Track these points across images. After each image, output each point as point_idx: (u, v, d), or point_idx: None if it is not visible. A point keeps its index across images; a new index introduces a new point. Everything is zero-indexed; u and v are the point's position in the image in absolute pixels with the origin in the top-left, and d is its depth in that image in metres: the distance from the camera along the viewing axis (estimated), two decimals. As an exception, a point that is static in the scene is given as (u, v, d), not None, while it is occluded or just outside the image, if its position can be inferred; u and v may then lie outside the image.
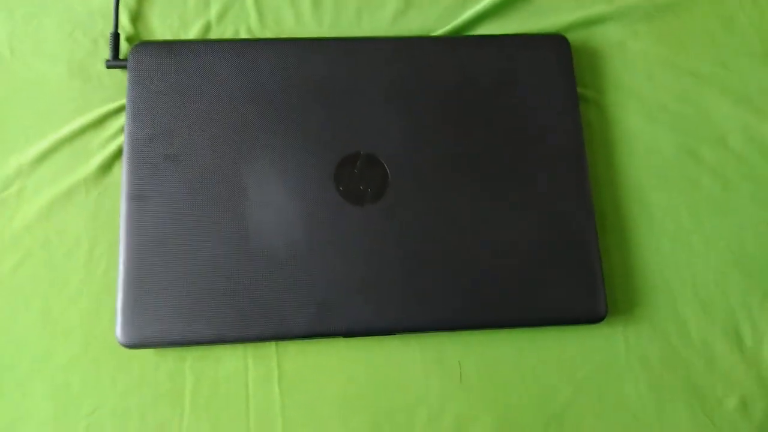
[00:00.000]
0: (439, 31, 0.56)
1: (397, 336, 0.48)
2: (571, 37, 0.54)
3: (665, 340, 0.50)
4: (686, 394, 0.49)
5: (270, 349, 0.48)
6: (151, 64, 0.50)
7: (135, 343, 0.46)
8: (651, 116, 0.55)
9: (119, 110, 0.52)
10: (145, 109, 0.49)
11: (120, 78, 0.53)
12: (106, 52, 0.54)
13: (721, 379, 0.49)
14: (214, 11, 0.55)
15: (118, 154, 0.51)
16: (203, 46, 0.51)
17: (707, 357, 0.49)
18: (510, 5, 0.57)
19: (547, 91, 0.52)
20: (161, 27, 0.55)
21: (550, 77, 0.52)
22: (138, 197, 0.48)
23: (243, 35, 0.55)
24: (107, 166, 0.51)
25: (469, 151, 0.50)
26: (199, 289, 0.46)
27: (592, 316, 0.48)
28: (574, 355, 0.49)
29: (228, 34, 0.55)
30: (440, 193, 0.49)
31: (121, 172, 0.50)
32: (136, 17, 0.55)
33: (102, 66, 0.53)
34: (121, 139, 0.51)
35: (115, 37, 0.53)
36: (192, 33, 0.55)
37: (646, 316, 0.50)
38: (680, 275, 0.51)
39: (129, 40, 0.54)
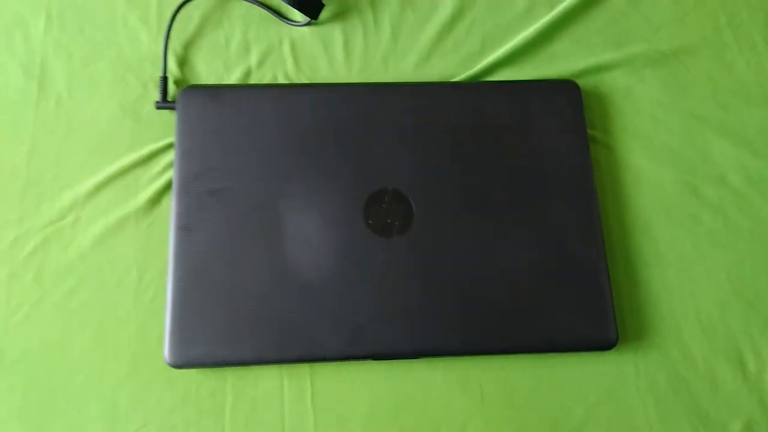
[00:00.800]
0: (459, 77, 0.60)
1: (423, 359, 0.52)
2: (581, 82, 0.59)
3: (672, 367, 0.53)
4: (692, 418, 0.52)
5: (304, 369, 0.52)
6: (198, 106, 0.55)
7: (181, 364, 0.50)
8: (656, 156, 0.59)
9: (167, 148, 0.57)
10: (192, 148, 0.54)
11: (168, 118, 0.58)
12: (155, 94, 0.58)
13: (725, 403, 0.52)
14: (254, 58, 0.60)
15: (165, 189, 0.55)
16: (245, 90, 0.56)
17: (712, 383, 0.53)
18: (525, 54, 0.61)
19: (560, 133, 0.56)
20: (206, 71, 0.60)
21: (562, 120, 0.56)
22: (185, 228, 0.52)
23: (281, 80, 0.59)
24: (156, 200, 0.55)
25: (488, 188, 0.54)
26: (240, 314, 0.50)
27: (604, 344, 0.51)
28: (587, 380, 0.52)
29: (267, 78, 0.59)
30: (461, 226, 0.53)
31: (168, 205, 0.54)
32: (182, 62, 0.60)
33: (151, 107, 0.58)
34: (169, 175, 0.55)
35: (164, 80, 0.57)
36: (234, 77, 0.59)
37: (653, 344, 0.53)
38: (685, 305, 0.54)
39: (176, 83, 0.59)
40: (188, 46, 0.60)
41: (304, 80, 0.60)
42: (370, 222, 0.53)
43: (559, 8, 0.62)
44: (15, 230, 0.54)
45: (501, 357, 0.53)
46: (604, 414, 0.52)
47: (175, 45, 0.60)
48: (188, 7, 0.61)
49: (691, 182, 0.58)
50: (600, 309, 0.52)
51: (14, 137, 0.57)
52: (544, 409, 0.52)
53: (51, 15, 0.61)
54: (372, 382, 0.52)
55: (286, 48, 0.61)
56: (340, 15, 0.62)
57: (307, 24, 0.61)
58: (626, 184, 0.58)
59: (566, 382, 0.52)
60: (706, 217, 0.57)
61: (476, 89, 0.58)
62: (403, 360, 0.52)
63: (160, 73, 0.58)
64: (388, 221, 0.53)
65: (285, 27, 0.61)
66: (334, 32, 0.62)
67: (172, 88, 0.59)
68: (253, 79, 0.59)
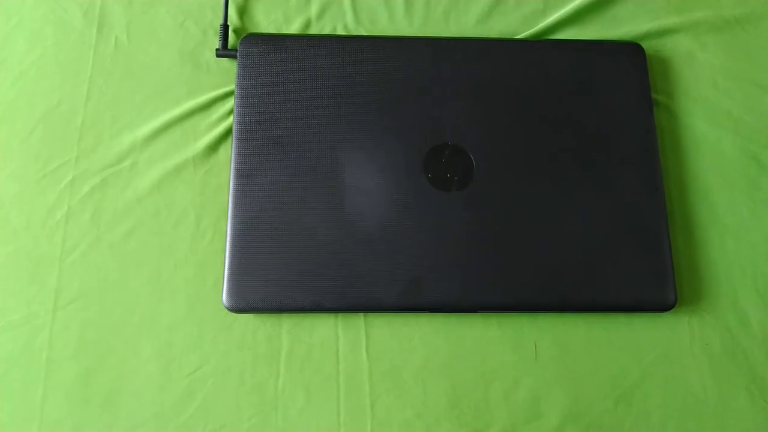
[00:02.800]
0: (521, 35, 0.59)
1: (478, 314, 0.52)
2: (644, 45, 0.58)
3: (727, 331, 0.53)
4: (747, 381, 0.51)
5: (359, 319, 0.52)
6: (259, 54, 0.54)
7: (239, 308, 0.50)
8: (716, 121, 0.58)
9: (226, 96, 0.56)
10: (252, 96, 0.53)
11: (227, 66, 0.57)
12: (214, 42, 0.58)
13: (780, 368, 0.52)
14: (314, 9, 0.60)
15: (224, 136, 0.55)
16: (306, 40, 0.55)
17: (767, 347, 0.52)
18: (587, 14, 0.60)
19: (624, 95, 0.55)
20: (265, 21, 0.59)
21: (626, 82, 0.56)
22: (245, 175, 0.52)
23: (340, 32, 0.59)
24: (214, 147, 0.55)
25: (549, 146, 0.54)
26: (298, 260, 0.50)
27: (662, 305, 0.51)
28: (643, 341, 0.52)
29: (326, 30, 0.59)
30: (522, 183, 0.53)
31: (226, 153, 0.55)
32: (243, 11, 0.59)
33: (211, 54, 0.58)
34: (227, 122, 0.55)
35: (225, 28, 0.57)
36: (293, 28, 0.59)
37: (709, 307, 0.53)
38: (742, 270, 0.54)
39: (236, 32, 0.59)
40: (248, -5, 0.60)
41: (364, 33, 0.59)
42: (430, 176, 0.52)
43: (623, -30, 0.61)
44: (72, 170, 0.54)
45: (556, 315, 0.53)
46: (659, 375, 0.51)
47: (235, -7, 0.60)
48: (248, -45, 0.60)
49: (751, 149, 0.57)
50: (660, 270, 0.51)
51: (72, 78, 0.57)
52: (598, 368, 0.51)
53: (110, -40, 0.60)
54: (427, 334, 0.52)
55: (347, 0, 0.60)
56: (400, -31, 0.62)
57: (367, -23, 0.61)
58: (687, 148, 0.57)
59: (622, 343, 0.52)
60: (765, 183, 0.56)
61: (541, 47, 0.57)
62: (458, 314, 0.52)
63: (219, 21, 0.58)
64: (448, 176, 0.52)
65: (345, -21, 0.61)
66: (394, -15, 0.61)
67: (231, 36, 0.58)
68: (313, 31, 0.59)
